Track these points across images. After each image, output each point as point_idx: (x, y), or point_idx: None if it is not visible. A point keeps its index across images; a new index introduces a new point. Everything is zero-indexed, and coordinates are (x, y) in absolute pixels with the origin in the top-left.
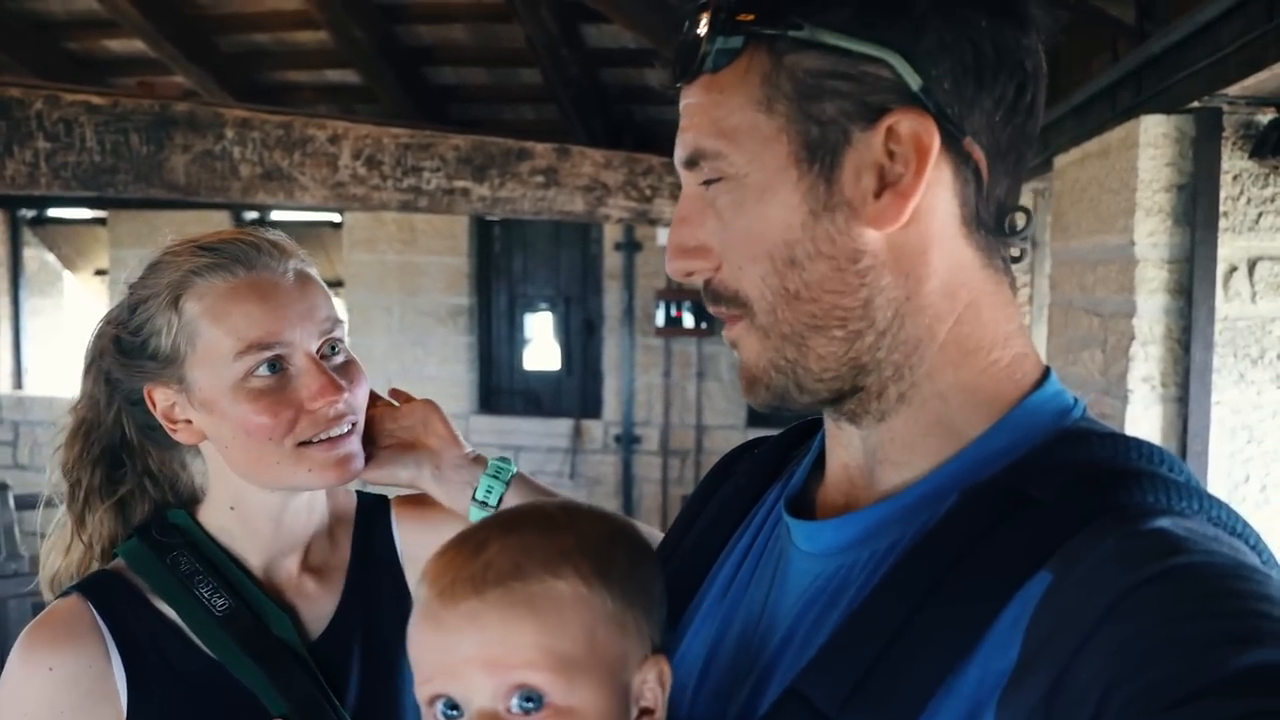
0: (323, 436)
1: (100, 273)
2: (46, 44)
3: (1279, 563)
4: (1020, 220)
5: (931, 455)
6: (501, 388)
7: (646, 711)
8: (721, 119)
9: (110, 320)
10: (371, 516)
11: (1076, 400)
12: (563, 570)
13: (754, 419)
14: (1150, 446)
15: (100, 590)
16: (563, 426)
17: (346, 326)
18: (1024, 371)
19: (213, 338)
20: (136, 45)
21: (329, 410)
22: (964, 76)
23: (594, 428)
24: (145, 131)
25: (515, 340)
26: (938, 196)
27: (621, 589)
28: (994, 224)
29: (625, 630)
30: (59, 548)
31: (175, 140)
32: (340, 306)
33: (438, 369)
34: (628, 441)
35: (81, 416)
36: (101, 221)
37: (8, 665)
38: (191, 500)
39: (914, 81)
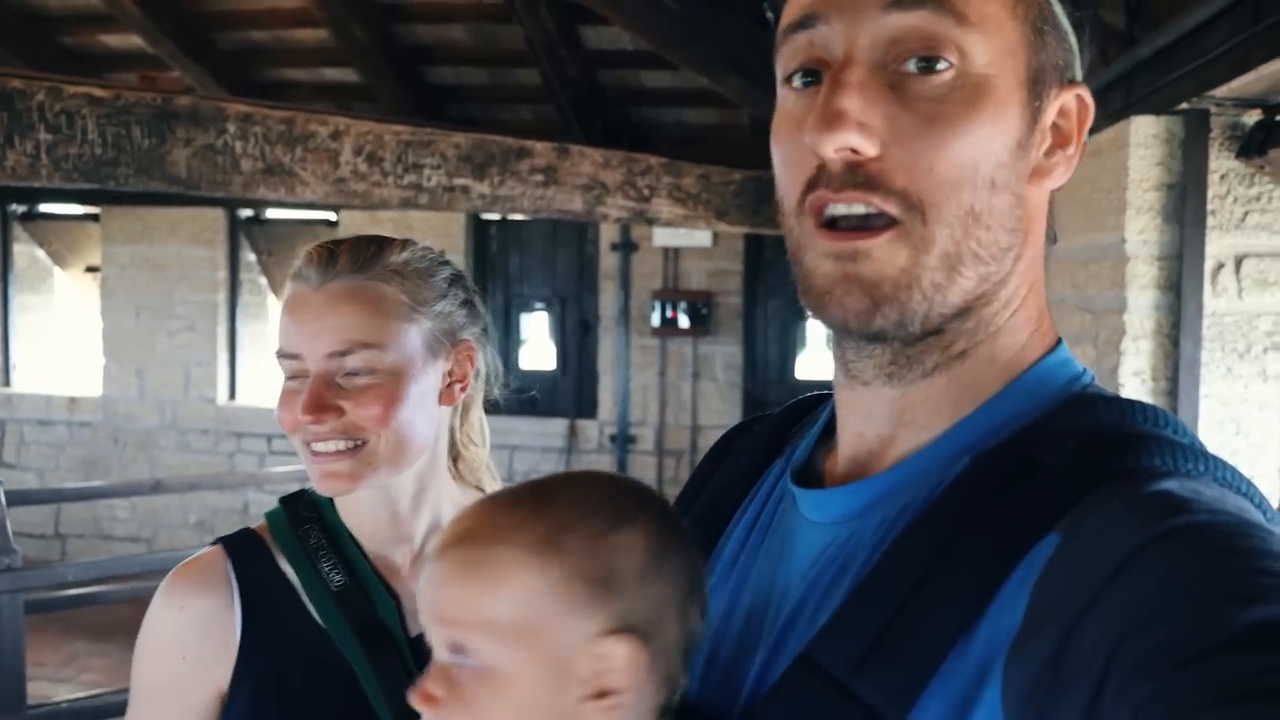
0: (312, 448)
1: (92, 269)
2: (42, 38)
3: None
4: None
5: (950, 418)
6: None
7: (606, 693)
8: None
9: None
10: None
11: (1085, 369)
12: (514, 537)
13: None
14: (1155, 410)
15: (239, 546)
16: (558, 426)
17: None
18: (1049, 342)
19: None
20: (133, 41)
21: (308, 426)
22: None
23: (589, 428)
24: (147, 125)
25: (511, 340)
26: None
27: (577, 562)
28: None
29: (573, 604)
30: None
31: (177, 134)
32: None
33: None
34: (623, 441)
35: None
36: (94, 217)
37: (155, 598)
38: None
39: (1078, 69)
